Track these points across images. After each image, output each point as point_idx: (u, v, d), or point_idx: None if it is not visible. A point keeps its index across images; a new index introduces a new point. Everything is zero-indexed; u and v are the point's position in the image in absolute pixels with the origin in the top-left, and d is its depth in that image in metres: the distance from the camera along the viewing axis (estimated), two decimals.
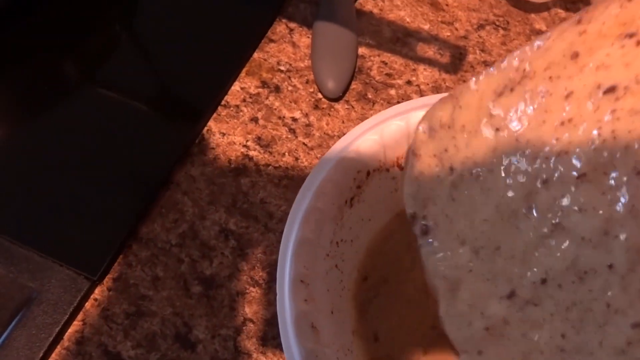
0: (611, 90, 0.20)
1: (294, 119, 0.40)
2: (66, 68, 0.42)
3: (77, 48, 0.42)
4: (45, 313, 0.31)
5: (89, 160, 0.37)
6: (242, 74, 0.42)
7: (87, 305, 0.33)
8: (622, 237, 0.20)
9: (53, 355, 0.31)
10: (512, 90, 0.23)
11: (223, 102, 0.41)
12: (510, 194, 0.23)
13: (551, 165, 0.22)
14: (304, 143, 0.40)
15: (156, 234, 0.35)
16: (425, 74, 0.44)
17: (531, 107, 0.23)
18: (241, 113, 0.40)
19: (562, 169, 0.22)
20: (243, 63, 0.42)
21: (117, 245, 0.34)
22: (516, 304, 0.23)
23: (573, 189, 0.21)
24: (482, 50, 0.46)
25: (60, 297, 0.32)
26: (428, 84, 0.43)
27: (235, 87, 0.41)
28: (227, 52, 0.42)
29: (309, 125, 0.40)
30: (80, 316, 0.32)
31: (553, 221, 0.22)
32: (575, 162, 0.21)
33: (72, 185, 0.36)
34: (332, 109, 0.41)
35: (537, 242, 0.22)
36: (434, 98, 0.34)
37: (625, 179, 0.20)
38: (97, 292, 0.33)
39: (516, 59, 0.23)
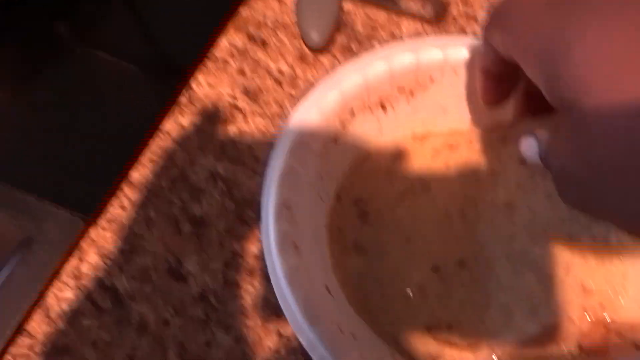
0: None
1: (280, 71, 0.42)
2: (59, 30, 0.44)
3: (69, 11, 0.43)
4: (44, 251, 0.33)
5: (83, 113, 0.38)
6: (230, 29, 0.43)
7: (84, 244, 0.34)
8: None
9: (53, 289, 0.33)
10: None
11: (211, 56, 0.42)
12: None
13: None
14: (290, 93, 0.41)
15: (148, 179, 0.37)
16: (408, 27, 0.45)
17: None
18: (228, 66, 0.42)
19: None
20: (229, 18, 0.43)
21: (111, 189, 0.35)
22: None
23: None
24: (465, 4, 0.47)
25: (57, 237, 0.33)
26: (411, 36, 0.44)
27: (223, 41, 0.43)
28: (214, 7, 0.43)
29: (294, 76, 0.42)
30: (76, 254, 0.34)
31: None
32: None
33: (68, 136, 0.37)
34: (317, 61, 0.43)
35: None
36: (418, 42, 0.35)
37: None
38: (92, 232, 0.35)
39: None
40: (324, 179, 0.33)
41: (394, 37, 0.44)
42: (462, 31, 0.45)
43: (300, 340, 0.26)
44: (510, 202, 0.31)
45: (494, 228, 0.31)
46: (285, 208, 0.29)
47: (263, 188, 0.29)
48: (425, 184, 0.33)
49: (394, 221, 0.32)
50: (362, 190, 0.34)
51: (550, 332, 0.29)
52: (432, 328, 0.30)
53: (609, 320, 0.29)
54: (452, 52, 0.34)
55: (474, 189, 0.32)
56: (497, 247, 0.31)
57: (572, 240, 0.30)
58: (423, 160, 0.34)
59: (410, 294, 0.30)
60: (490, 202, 0.32)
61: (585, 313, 0.29)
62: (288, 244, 0.28)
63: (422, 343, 0.29)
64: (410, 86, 0.34)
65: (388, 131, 0.35)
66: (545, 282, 0.30)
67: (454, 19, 0.46)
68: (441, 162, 0.34)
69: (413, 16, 0.46)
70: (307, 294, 0.27)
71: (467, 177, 0.33)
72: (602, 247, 0.31)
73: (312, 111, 0.32)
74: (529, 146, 0.23)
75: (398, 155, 0.35)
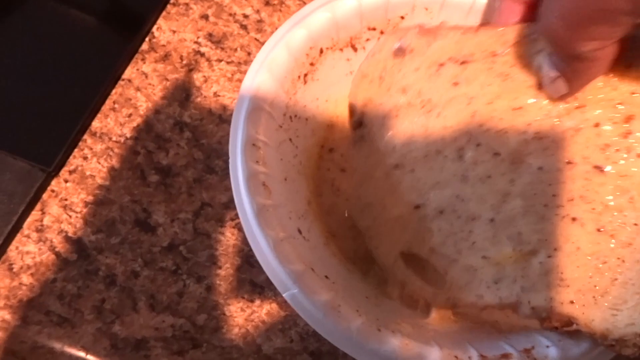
0: None
1: (245, 16, 0.40)
2: None
3: None
4: (1, 203, 0.32)
5: (41, 63, 0.36)
6: None
7: (45, 196, 0.33)
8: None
9: (14, 242, 0.32)
10: None
11: (172, 1, 0.40)
12: None
13: None
14: (255, 38, 0.40)
15: (110, 128, 0.35)
16: None
17: None
18: (191, 10, 0.40)
19: None
20: None
21: (71, 138, 0.34)
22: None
23: None
24: None
25: (15, 188, 0.32)
26: None
27: None
28: None
29: (260, 21, 0.40)
30: (38, 206, 0.33)
31: None
32: None
33: (25, 85, 0.35)
34: (283, 5, 0.41)
35: None
36: None
37: None
38: (54, 184, 0.33)
39: None
40: (294, 121, 0.32)
41: None
42: None
43: (272, 280, 0.25)
44: (518, 155, 0.25)
45: (488, 183, 0.26)
46: (253, 147, 0.28)
47: (231, 126, 0.28)
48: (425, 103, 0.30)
49: (384, 144, 0.31)
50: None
51: (508, 306, 0.27)
52: (406, 255, 0.29)
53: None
54: None
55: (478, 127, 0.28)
56: (483, 206, 0.26)
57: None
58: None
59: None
60: (493, 151, 0.27)
61: (552, 305, 0.25)
62: (257, 183, 0.27)
63: (395, 267, 0.29)
64: (381, 26, 0.33)
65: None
66: (520, 259, 0.26)
67: None
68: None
69: None
70: (278, 234, 0.26)
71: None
72: None
73: (280, 49, 0.31)
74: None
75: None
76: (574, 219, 0.24)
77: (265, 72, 0.30)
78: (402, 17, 0.33)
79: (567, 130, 0.24)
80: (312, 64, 0.32)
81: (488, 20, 0.32)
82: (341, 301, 0.26)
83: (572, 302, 0.25)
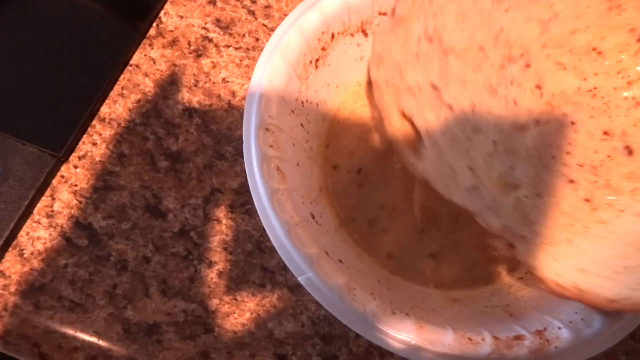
0: None
1: (253, 1, 0.40)
2: None
3: None
4: (12, 188, 0.31)
5: (49, 49, 0.36)
6: None
7: (55, 181, 0.33)
8: None
9: (24, 227, 0.32)
10: None
11: None
12: None
13: None
14: (264, 24, 0.39)
15: (119, 114, 0.35)
16: None
17: None
18: None
19: None
20: None
21: (80, 124, 0.34)
22: None
23: None
24: None
25: (26, 174, 0.32)
26: None
27: None
28: None
29: (268, 6, 0.40)
30: (48, 192, 0.33)
31: None
32: None
33: (34, 71, 0.35)
34: None
35: None
36: None
37: None
38: (64, 169, 0.33)
39: None
40: (305, 105, 0.32)
41: None
42: None
43: (287, 264, 0.25)
44: (560, 102, 0.23)
45: (512, 109, 0.24)
46: (267, 131, 0.28)
47: (245, 110, 0.28)
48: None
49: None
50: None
51: (466, 210, 0.27)
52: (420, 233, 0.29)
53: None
54: None
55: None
56: (494, 128, 0.25)
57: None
58: None
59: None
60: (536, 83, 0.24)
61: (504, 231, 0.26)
62: (271, 167, 0.27)
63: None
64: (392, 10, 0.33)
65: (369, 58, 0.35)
66: (500, 187, 0.26)
67: None
68: None
69: None
70: (292, 218, 0.26)
71: None
72: None
73: (293, 33, 0.30)
74: None
75: None
76: (571, 181, 0.23)
77: (278, 56, 0.30)
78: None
79: (631, 98, 0.22)
80: (323, 49, 0.32)
81: None
82: (356, 285, 0.26)
83: (523, 237, 0.25)
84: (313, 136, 0.32)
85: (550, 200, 0.24)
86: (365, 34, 0.34)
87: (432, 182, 0.28)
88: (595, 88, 0.22)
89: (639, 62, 0.21)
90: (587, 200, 0.23)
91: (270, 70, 0.29)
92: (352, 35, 0.33)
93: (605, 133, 0.22)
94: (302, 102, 0.31)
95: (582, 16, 0.22)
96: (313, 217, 0.29)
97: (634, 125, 0.21)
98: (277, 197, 0.26)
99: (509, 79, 0.24)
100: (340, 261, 0.27)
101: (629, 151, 0.22)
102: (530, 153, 0.24)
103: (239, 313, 0.31)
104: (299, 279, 0.25)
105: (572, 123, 0.22)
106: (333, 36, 0.32)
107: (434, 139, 0.27)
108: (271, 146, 0.28)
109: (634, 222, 0.23)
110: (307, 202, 0.29)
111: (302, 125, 0.31)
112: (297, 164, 0.30)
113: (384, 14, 0.33)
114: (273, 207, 0.26)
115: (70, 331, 0.30)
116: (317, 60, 0.32)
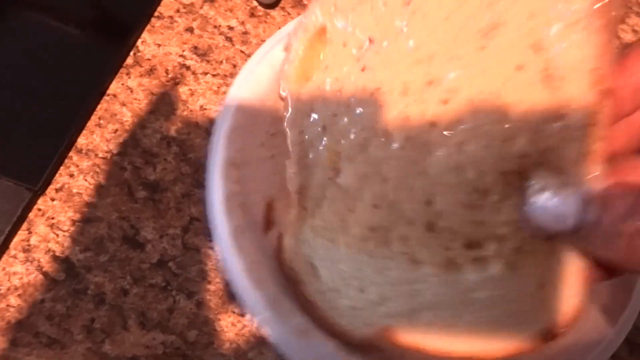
0: None
1: (230, 28, 0.40)
2: None
3: None
4: None
5: (22, 78, 0.36)
6: None
7: (31, 215, 0.33)
8: None
9: (0, 263, 0.31)
10: None
11: (156, 14, 0.40)
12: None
13: None
14: (241, 50, 0.40)
15: (96, 144, 0.35)
16: None
17: None
18: (175, 23, 0.40)
19: None
20: None
21: (56, 156, 0.34)
22: None
23: None
24: None
25: (1, 208, 0.32)
26: None
27: None
28: None
29: (245, 33, 0.40)
30: (25, 226, 0.32)
31: None
32: None
33: (7, 102, 0.35)
34: (268, 16, 0.41)
35: None
36: None
37: None
38: (41, 202, 0.33)
39: None
40: (276, 137, 0.32)
41: None
42: None
43: (245, 304, 0.25)
44: None
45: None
46: (232, 166, 0.28)
47: (209, 146, 0.28)
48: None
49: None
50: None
51: None
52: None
53: None
54: None
55: None
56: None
57: None
58: None
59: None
60: None
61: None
62: (235, 204, 0.27)
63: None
64: None
65: None
66: None
67: None
68: None
69: None
70: (252, 256, 0.26)
71: None
72: None
73: (263, 66, 0.31)
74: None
75: None
76: None
77: (247, 90, 0.30)
78: None
79: None
80: None
81: None
82: (316, 324, 0.26)
83: None
84: (284, 167, 0.32)
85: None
86: None
87: None
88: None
89: None
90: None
91: (239, 103, 0.29)
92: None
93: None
94: (273, 135, 0.31)
95: None
96: None
97: None
98: (238, 234, 0.26)
99: None
100: None
101: None
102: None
103: (218, 343, 0.31)
104: (255, 319, 0.25)
105: None
106: None
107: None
108: (235, 182, 0.27)
109: None
110: (273, 237, 0.29)
111: (272, 157, 0.31)
112: (264, 199, 0.30)
113: None
114: (233, 245, 0.26)
115: None
116: None
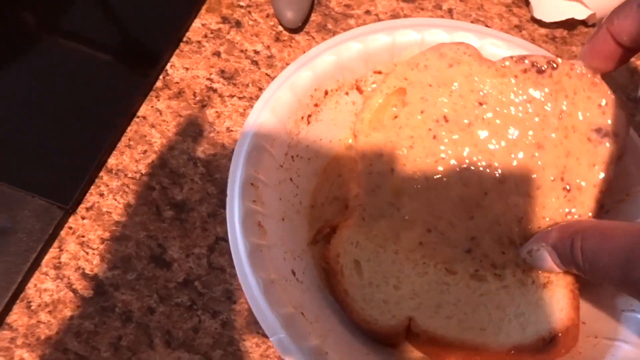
0: None
1: (256, 52, 0.41)
2: (27, 20, 0.42)
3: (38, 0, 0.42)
4: (20, 241, 0.32)
5: (56, 101, 0.37)
6: (202, 10, 0.42)
7: (62, 233, 0.34)
8: None
9: (32, 280, 0.32)
10: None
11: (185, 39, 0.41)
12: None
13: None
14: (266, 74, 0.40)
15: (125, 165, 0.36)
16: (383, 4, 0.45)
17: None
18: (203, 48, 0.41)
19: None
20: (202, 0, 0.42)
21: (87, 176, 0.35)
22: None
23: None
24: None
25: (34, 226, 0.33)
26: (387, 13, 0.44)
27: (196, 23, 0.42)
28: None
29: (271, 56, 0.41)
30: (56, 244, 0.33)
31: None
32: None
33: (41, 124, 0.36)
34: (293, 41, 0.42)
35: None
36: (394, 22, 0.35)
37: None
38: (72, 221, 0.34)
39: None
40: (295, 161, 0.32)
41: (369, 14, 0.44)
42: (438, 6, 0.45)
43: (260, 323, 0.25)
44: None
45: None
46: (251, 186, 0.28)
47: (231, 165, 0.29)
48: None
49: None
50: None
51: None
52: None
53: None
54: (429, 35, 0.34)
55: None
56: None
57: None
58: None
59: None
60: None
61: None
62: (252, 222, 0.27)
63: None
64: (386, 69, 0.34)
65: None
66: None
67: None
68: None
69: None
70: (269, 275, 0.26)
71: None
72: None
73: (284, 90, 0.31)
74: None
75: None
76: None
77: (268, 112, 0.30)
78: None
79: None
80: (316, 105, 0.33)
81: None
82: (329, 348, 0.26)
83: None
84: (303, 191, 0.33)
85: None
86: (360, 91, 0.34)
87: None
88: None
89: None
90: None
91: (259, 126, 0.30)
92: (346, 93, 0.34)
93: None
94: (292, 157, 0.32)
95: None
96: (294, 273, 0.29)
97: None
98: (256, 253, 0.26)
99: None
100: (317, 321, 0.27)
101: None
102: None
103: None
104: (271, 339, 0.25)
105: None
106: (326, 93, 0.33)
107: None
108: (254, 201, 0.28)
109: None
110: (290, 258, 0.29)
111: (291, 179, 0.32)
112: (283, 219, 0.30)
113: (379, 72, 0.34)
114: (250, 263, 0.26)
115: None
116: (309, 116, 0.33)
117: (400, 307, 0.29)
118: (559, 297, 0.28)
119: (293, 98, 0.32)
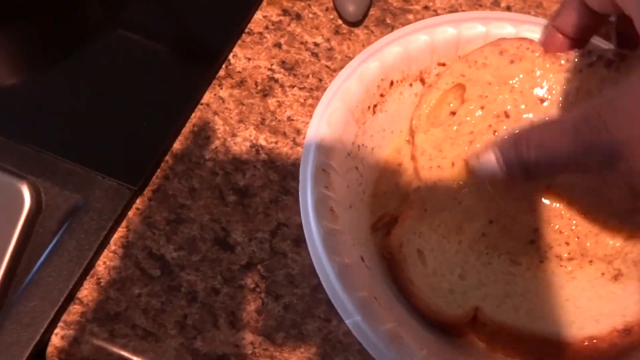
0: None
1: (316, 44, 0.42)
2: (93, 12, 0.43)
3: None
4: (92, 219, 0.33)
5: (127, 90, 0.38)
6: (264, 3, 0.43)
7: (130, 213, 0.34)
8: None
9: (101, 257, 0.33)
10: None
11: (247, 30, 0.42)
12: None
13: None
14: (326, 65, 0.41)
15: (190, 150, 0.37)
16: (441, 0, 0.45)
17: None
18: (265, 39, 0.42)
19: None
20: None
21: (155, 160, 0.35)
22: None
23: None
24: None
25: (105, 206, 0.33)
26: (445, 9, 0.44)
27: (258, 15, 0.43)
28: None
29: (330, 49, 0.42)
30: (124, 223, 0.34)
31: None
32: None
33: (112, 111, 0.37)
34: (352, 34, 0.42)
35: None
36: (460, 15, 0.36)
37: None
38: (139, 202, 0.35)
39: None
40: (361, 149, 0.33)
41: (427, 9, 0.44)
42: (496, 3, 0.45)
43: (335, 306, 0.26)
44: None
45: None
46: (323, 172, 0.29)
47: (302, 151, 0.29)
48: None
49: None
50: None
51: None
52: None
53: None
54: (495, 27, 0.34)
55: None
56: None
57: None
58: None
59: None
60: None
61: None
62: (325, 208, 0.28)
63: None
64: (451, 61, 0.34)
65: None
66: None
67: None
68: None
69: None
70: (343, 260, 0.27)
71: None
72: None
73: (354, 79, 0.32)
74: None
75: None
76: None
77: (338, 101, 0.31)
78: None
79: None
80: (382, 95, 0.33)
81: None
82: (403, 332, 0.26)
83: None
84: (367, 180, 0.33)
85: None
86: (423, 82, 0.35)
87: None
88: None
89: None
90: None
91: (330, 113, 0.30)
92: (410, 85, 0.34)
93: None
94: (358, 146, 0.32)
95: None
96: (363, 260, 0.29)
97: None
98: (330, 237, 0.27)
99: None
100: (388, 306, 0.27)
101: None
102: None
103: (305, 347, 0.31)
104: (346, 322, 0.25)
105: None
106: (392, 84, 0.33)
107: None
108: (326, 187, 0.28)
109: None
110: (357, 244, 0.29)
111: (356, 168, 0.32)
112: (350, 207, 0.30)
113: (443, 64, 0.34)
114: (325, 247, 0.27)
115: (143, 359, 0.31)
116: (375, 106, 0.33)
117: (466, 297, 0.29)
118: (632, 289, 0.28)
119: (362, 87, 0.32)
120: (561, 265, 0.30)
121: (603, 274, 0.29)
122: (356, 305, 0.26)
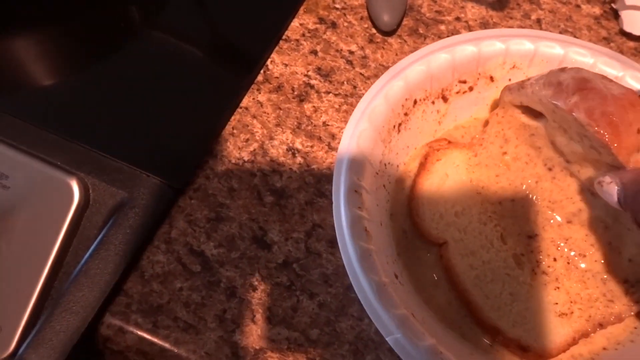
0: None
1: (351, 52, 0.43)
2: (133, 15, 0.45)
3: None
4: (136, 215, 0.34)
5: (171, 93, 0.40)
6: (301, 11, 0.45)
7: (172, 211, 0.36)
8: None
9: (146, 252, 0.34)
10: None
11: (284, 37, 0.43)
12: None
13: None
14: (360, 73, 0.42)
15: (229, 152, 0.38)
16: (473, 11, 0.46)
17: None
18: (301, 46, 0.43)
19: None
20: (300, 1, 0.45)
21: (196, 160, 0.37)
22: None
23: None
24: None
25: (149, 203, 0.35)
26: (476, 20, 0.45)
27: (295, 23, 0.44)
28: None
29: (364, 57, 0.43)
30: (167, 220, 0.36)
31: None
32: None
33: (156, 110, 0.39)
34: (385, 43, 0.44)
35: None
36: (481, 33, 0.37)
37: None
38: (181, 200, 0.36)
39: None
40: (387, 167, 0.34)
41: (459, 20, 0.45)
42: (526, 16, 0.46)
43: (375, 324, 0.27)
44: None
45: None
46: (355, 193, 0.30)
47: (334, 171, 0.30)
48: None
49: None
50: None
51: None
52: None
53: None
54: (514, 44, 0.35)
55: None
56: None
57: None
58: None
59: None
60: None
61: None
62: (360, 228, 0.29)
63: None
64: (471, 79, 0.35)
65: (447, 122, 0.37)
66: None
67: (518, 3, 0.47)
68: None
69: (478, 0, 0.47)
70: (381, 278, 0.28)
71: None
72: None
73: (379, 99, 0.33)
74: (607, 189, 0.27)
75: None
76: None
77: (365, 122, 0.32)
78: (492, 77, 0.35)
79: None
80: (406, 114, 0.35)
81: None
82: (442, 347, 0.27)
83: None
84: (391, 196, 0.34)
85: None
86: (445, 100, 0.36)
87: None
88: None
89: None
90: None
91: (359, 135, 0.31)
92: (432, 102, 0.35)
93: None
94: (385, 165, 0.33)
95: None
96: (397, 277, 0.30)
97: None
98: (366, 257, 0.28)
99: None
100: (424, 322, 0.28)
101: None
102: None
103: (338, 344, 0.33)
104: (387, 339, 0.26)
105: None
106: (415, 102, 0.35)
107: None
108: (359, 207, 0.29)
109: None
110: (390, 262, 0.30)
111: (384, 186, 0.33)
112: (381, 224, 0.31)
113: (464, 81, 0.35)
114: (362, 267, 0.28)
115: (183, 350, 0.32)
116: (399, 124, 0.34)
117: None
118: None
119: (387, 107, 0.33)
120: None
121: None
122: (395, 322, 0.27)
